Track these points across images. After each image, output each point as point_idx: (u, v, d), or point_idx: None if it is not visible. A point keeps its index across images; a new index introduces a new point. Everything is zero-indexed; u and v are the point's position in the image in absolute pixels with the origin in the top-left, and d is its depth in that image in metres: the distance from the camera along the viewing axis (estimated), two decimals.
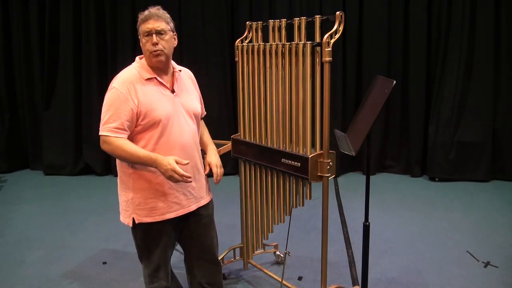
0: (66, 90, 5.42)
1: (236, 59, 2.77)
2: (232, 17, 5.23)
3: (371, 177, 2.37)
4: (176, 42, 2.12)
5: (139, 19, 2.03)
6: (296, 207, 2.51)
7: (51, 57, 5.39)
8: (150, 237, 2.10)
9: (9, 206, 4.44)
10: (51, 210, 4.33)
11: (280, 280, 2.68)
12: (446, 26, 4.89)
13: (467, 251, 3.32)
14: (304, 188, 2.42)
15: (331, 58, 2.18)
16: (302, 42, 2.32)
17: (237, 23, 5.17)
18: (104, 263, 3.23)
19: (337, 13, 2.19)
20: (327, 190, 2.31)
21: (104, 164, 5.46)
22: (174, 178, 1.90)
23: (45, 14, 5.33)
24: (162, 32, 2.00)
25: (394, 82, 2.13)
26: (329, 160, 2.27)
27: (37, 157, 5.67)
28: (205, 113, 2.43)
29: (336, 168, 2.84)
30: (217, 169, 2.22)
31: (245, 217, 2.90)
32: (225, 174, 5.68)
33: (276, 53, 2.48)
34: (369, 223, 2.32)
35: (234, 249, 3.06)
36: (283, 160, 2.44)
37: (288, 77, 2.43)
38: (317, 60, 2.24)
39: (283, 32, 2.50)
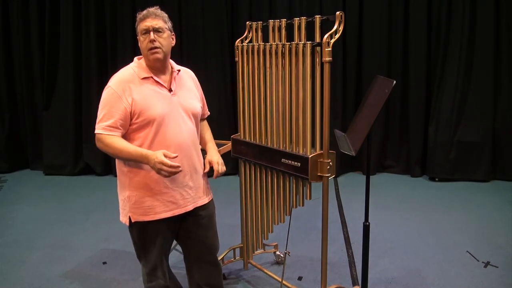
0: (66, 90, 5.42)
1: (236, 59, 2.77)
2: (232, 17, 5.23)
3: (371, 177, 2.37)
4: (174, 42, 2.13)
5: (137, 18, 2.06)
6: (296, 207, 2.51)
7: (51, 57, 5.39)
8: (146, 236, 2.10)
9: (9, 206, 4.44)
10: (51, 210, 4.33)
11: (280, 280, 2.68)
12: (446, 26, 4.89)
13: (467, 251, 3.32)
14: (304, 188, 2.42)
15: (331, 58, 2.18)
16: (302, 42, 2.32)
17: (237, 23, 5.17)
18: (104, 263, 3.23)
19: (337, 13, 2.19)
20: (327, 190, 2.31)
21: (104, 164, 5.46)
22: (164, 170, 1.88)
23: (45, 14, 5.33)
24: (160, 30, 2.02)
25: (394, 82, 2.13)
26: (329, 160, 2.27)
27: (37, 157, 5.67)
28: (209, 113, 2.43)
29: (336, 168, 2.84)
30: (218, 166, 2.21)
31: (245, 217, 2.90)
32: (225, 174, 5.69)
33: (276, 53, 2.48)
34: (369, 223, 2.32)
35: (234, 249, 3.06)
36: (283, 160, 2.44)
37: (288, 77, 2.43)
38: (317, 60, 2.24)
39: (283, 32, 2.50)
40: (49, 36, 5.35)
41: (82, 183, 5.22)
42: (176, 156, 1.92)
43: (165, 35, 2.04)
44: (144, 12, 2.04)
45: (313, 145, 2.33)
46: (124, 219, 2.13)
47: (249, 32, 2.76)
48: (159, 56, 2.02)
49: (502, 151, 4.98)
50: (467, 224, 3.82)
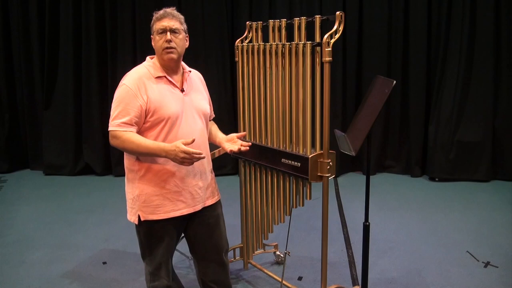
0: (66, 90, 5.42)
1: (236, 59, 2.77)
2: (232, 17, 5.23)
3: (371, 177, 2.37)
4: (187, 44, 2.16)
5: (154, 18, 2.08)
6: (296, 207, 2.51)
7: (51, 57, 5.39)
8: (153, 235, 2.11)
9: (9, 206, 4.44)
10: (51, 210, 4.32)
11: (280, 280, 2.68)
12: (446, 26, 4.89)
13: (467, 251, 3.32)
14: (304, 188, 2.42)
15: (331, 58, 2.18)
16: (302, 42, 2.32)
17: (237, 23, 5.17)
18: (104, 263, 3.22)
19: (337, 13, 2.19)
20: (327, 190, 2.31)
21: (104, 164, 5.46)
22: (187, 158, 1.88)
23: (45, 14, 5.33)
24: (176, 31, 2.05)
25: (394, 82, 2.13)
26: (329, 160, 2.27)
27: (37, 157, 5.67)
28: (214, 115, 2.45)
29: (336, 168, 2.84)
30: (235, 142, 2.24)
31: (245, 217, 2.90)
32: (225, 174, 5.69)
33: (276, 53, 2.48)
34: (369, 223, 2.32)
35: (234, 249, 3.06)
36: (283, 160, 2.44)
37: (288, 77, 2.43)
38: (317, 60, 2.24)
39: (283, 32, 2.50)
40: (49, 36, 5.34)
41: (82, 183, 5.22)
42: (194, 140, 1.92)
43: (180, 36, 2.07)
44: (161, 12, 2.06)
45: (313, 145, 2.33)
46: (132, 218, 2.13)
47: (249, 32, 2.76)
48: (174, 56, 2.04)
49: (502, 151, 4.98)
50: (467, 224, 3.82)
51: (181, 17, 2.11)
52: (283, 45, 2.43)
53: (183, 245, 2.73)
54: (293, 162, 2.38)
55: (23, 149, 5.75)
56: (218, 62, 5.21)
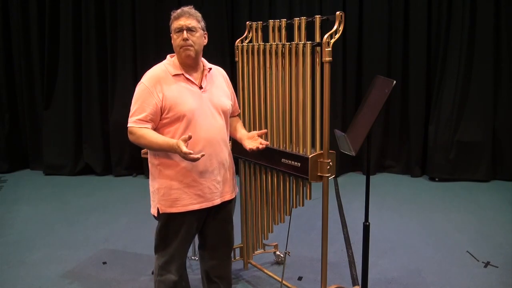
0: (66, 90, 5.42)
1: (236, 59, 2.77)
2: (232, 17, 5.23)
3: (371, 177, 2.37)
4: (206, 41, 2.19)
5: (172, 17, 2.12)
6: (296, 207, 2.51)
7: (51, 57, 5.38)
8: (170, 228, 2.15)
9: (9, 206, 4.44)
10: (51, 210, 4.32)
11: (280, 280, 2.68)
12: (446, 26, 4.89)
13: (467, 251, 3.32)
14: (304, 188, 2.42)
15: (331, 58, 2.18)
16: (302, 42, 2.32)
17: (237, 23, 5.17)
18: (104, 263, 3.22)
19: (337, 13, 2.19)
20: (327, 190, 2.31)
21: (104, 164, 5.46)
22: (188, 158, 1.90)
23: (45, 14, 5.33)
24: (193, 29, 2.08)
25: (394, 82, 2.13)
26: (329, 160, 2.27)
27: (37, 157, 5.67)
28: (239, 111, 2.49)
29: (336, 168, 2.84)
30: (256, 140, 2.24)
31: (245, 217, 2.90)
32: None
33: (276, 53, 2.48)
34: (369, 223, 2.32)
35: (234, 249, 3.05)
36: (283, 160, 2.44)
37: (288, 77, 2.43)
38: (317, 60, 2.24)
39: (283, 32, 2.50)
40: (49, 36, 5.34)
41: (82, 183, 5.22)
42: (190, 136, 1.94)
43: (197, 34, 2.10)
44: (179, 11, 2.10)
45: (313, 145, 2.33)
46: (153, 210, 2.18)
47: (249, 32, 2.76)
48: (191, 53, 2.08)
49: (502, 151, 4.98)
50: (467, 224, 3.82)
51: (198, 15, 2.14)
52: (283, 45, 2.44)
53: None
54: (293, 162, 2.38)
55: (23, 149, 5.75)
56: (218, 62, 5.14)
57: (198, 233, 2.32)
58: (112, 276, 3.03)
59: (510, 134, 4.91)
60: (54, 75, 5.44)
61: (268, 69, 2.56)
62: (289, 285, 2.74)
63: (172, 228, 2.14)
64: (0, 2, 5.43)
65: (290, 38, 2.43)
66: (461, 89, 4.91)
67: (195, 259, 3.11)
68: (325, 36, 2.18)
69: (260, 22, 2.69)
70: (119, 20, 5.24)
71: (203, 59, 2.22)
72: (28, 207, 4.40)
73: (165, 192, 2.11)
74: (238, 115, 2.51)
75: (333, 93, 5.06)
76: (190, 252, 3.04)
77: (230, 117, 2.36)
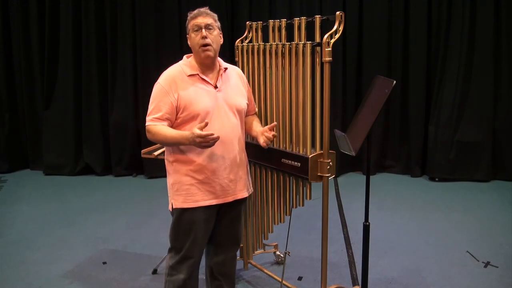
0: (66, 90, 5.42)
1: (236, 59, 2.77)
2: (232, 17, 5.23)
3: (371, 177, 2.37)
4: (222, 41, 2.22)
5: (189, 17, 2.16)
6: (296, 207, 2.51)
7: (51, 57, 5.38)
8: (182, 224, 2.18)
9: (9, 206, 4.44)
10: (51, 210, 4.32)
11: (280, 280, 2.68)
12: (446, 26, 4.89)
13: (467, 251, 3.32)
14: (304, 188, 2.42)
15: (331, 58, 2.18)
16: (302, 42, 2.32)
17: (237, 23, 5.17)
18: (104, 263, 3.22)
19: (337, 13, 2.19)
20: (327, 190, 2.31)
21: (104, 164, 5.46)
22: (205, 141, 1.94)
23: (45, 15, 5.33)
24: (210, 27, 2.13)
25: (394, 82, 2.12)
26: (329, 160, 2.27)
27: (37, 157, 5.67)
28: (256, 110, 2.51)
29: (336, 168, 2.83)
30: (264, 136, 2.25)
31: (245, 217, 2.90)
32: None
33: (276, 53, 2.48)
34: (369, 223, 2.31)
35: None
36: (283, 160, 2.44)
37: (288, 77, 2.43)
38: (317, 60, 2.24)
39: (283, 32, 2.50)
40: (49, 36, 5.34)
41: (82, 183, 5.22)
42: (207, 123, 1.99)
43: (215, 32, 2.15)
44: (195, 11, 2.16)
45: (313, 145, 2.33)
46: (169, 206, 2.23)
47: (249, 32, 2.76)
48: (211, 54, 2.12)
49: (502, 151, 4.97)
50: (467, 224, 3.82)
51: (215, 15, 2.19)
52: (283, 45, 2.44)
53: None
54: (293, 162, 2.38)
55: (23, 149, 5.75)
56: None
57: None
58: (112, 276, 3.03)
59: (510, 134, 4.91)
60: (54, 75, 5.44)
61: (268, 69, 2.56)
62: (289, 285, 2.74)
63: (184, 224, 2.17)
64: (0, 2, 5.43)
65: (290, 38, 2.43)
66: (461, 89, 4.91)
67: None
68: (325, 36, 2.18)
69: (260, 22, 2.69)
70: (119, 20, 5.24)
71: (219, 58, 2.25)
72: (28, 207, 4.40)
73: (179, 188, 2.17)
74: (256, 113, 2.52)
75: (333, 93, 5.05)
76: None
77: (247, 115, 2.40)
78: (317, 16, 2.30)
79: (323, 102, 2.25)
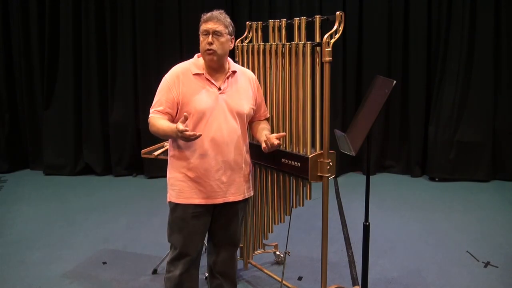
0: (66, 90, 5.42)
1: (236, 59, 2.77)
2: (232, 17, 5.20)
3: (371, 177, 2.37)
4: (232, 45, 2.25)
5: (201, 19, 2.20)
6: (296, 207, 2.51)
7: (51, 57, 5.38)
8: (176, 219, 2.23)
9: (9, 206, 4.44)
10: (51, 210, 4.32)
11: (280, 280, 2.68)
12: (446, 26, 4.89)
13: (467, 251, 3.32)
14: (304, 188, 2.42)
15: (331, 58, 2.18)
16: (302, 42, 2.32)
17: (237, 23, 5.16)
18: (104, 263, 3.22)
19: (337, 13, 2.19)
20: (327, 190, 2.31)
21: (104, 164, 5.45)
22: (184, 136, 1.96)
23: (45, 14, 5.32)
24: (219, 34, 2.15)
25: (394, 82, 2.13)
26: (329, 160, 2.27)
27: (37, 157, 5.66)
28: (268, 115, 2.50)
29: (336, 168, 2.83)
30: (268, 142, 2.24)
31: (245, 217, 2.89)
32: None
33: (276, 53, 2.48)
34: (369, 223, 2.31)
35: None
36: (283, 160, 2.44)
37: (288, 77, 2.43)
38: (317, 60, 2.24)
39: (283, 32, 2.50)
40: (49, 36, 5.34)
41: (82, 183, 5.22)
42: (187, 117, 2.00)
43: (223, 39, 2.16)
44: (209, 14, 2.19)
45: (313, 145, 2.33)
46: (167, 199, 2.28)
47: (249, 32, 2.76)
48: (214, 58, 2.15)
49: (502, 151, 4.98)
50: (467, 224, 3.82)
51: (227, 20, 2.20)
52: (283, 45, 2.44)
53: None
54: (293, 162, 2.38)
55: (23, 149, 5.75)
56: None
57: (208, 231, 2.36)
58: (112, 276, 3.03)
59: (510, 134, 4.91)
60: (54, 75, 5.44)
61: (268, 69, 2.56)
62: (289, 285, 2.74)
63: (177, 220, 2.21)
64: (0, 2, 5.43)
65: (290, 38, 2.43)
66: (461, 89, 4.91)
67: None
68: (325, 36, 2.18)
69: (260, 22, 2.69)
70: (119, 20, 5.24)
71: (230, 60, 2.28)
72: (28, 207, 4.40)
73: (173, 183, 2.22)
74: (267, 119, 2.51)
75: (333, 93, 5.05)
76: None
77: (256, 121, 2.42)
78: (317, 16, 2.30)
79: (323, 102, 2.25)
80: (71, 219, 4.08)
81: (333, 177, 2.93)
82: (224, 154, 2.19)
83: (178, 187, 2.20)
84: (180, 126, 1.95)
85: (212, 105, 2.16)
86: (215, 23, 2.15)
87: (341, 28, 2.20)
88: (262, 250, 3.06)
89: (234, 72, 2.27)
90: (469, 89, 4.93)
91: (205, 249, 2.68)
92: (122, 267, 3.16)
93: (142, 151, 3.03)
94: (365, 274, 2.36)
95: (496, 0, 4.75)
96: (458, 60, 4.87)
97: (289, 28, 2.47)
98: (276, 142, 2.21)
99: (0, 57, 5.50)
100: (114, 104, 5.34)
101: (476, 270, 3.05)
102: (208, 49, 2.13)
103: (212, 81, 2.19)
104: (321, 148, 2.29)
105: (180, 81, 2.16)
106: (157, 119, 2.14)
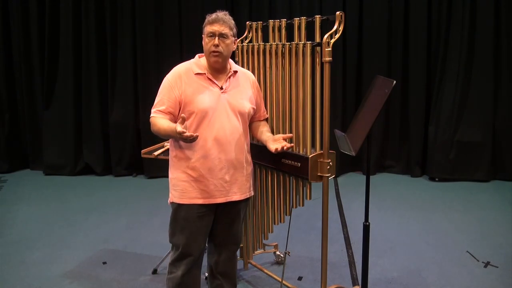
0: (66, 90, 5.42)
1: (236, 59, 2.77)
2: (232, 17, 5.22)
3: (371, 177, 2.37)
4: (235, 47, 2.27)
5: (206, 20, 2.20)
6: (296, 207, 2.51)
7: (51, 57, 5.38)
8: (178, 219, 2.22)
9: (9, 206, 4.44)
10: (51, 210, 4.32)
11: (280, 280, 2.68)
12: (446, 26, 4.89)
13: (467, 251, 3.32)
14: (304, 188, 2.42)
15: (331, 58, 2.18)
16: (302, 42, 2.32)
17: (237, 23, 5.15)
18: (104, 263, 3.22)
19: (337, 13, 2.19)
20: (327, 190, 2.31)
21: (104, 164, 5.45)
22: (183, 137, 1.96)
23: (45, 14, 5.32)
24: (225, 36, 2.16)
25: (394, 82, 2.12)
26: (329, 160, 2.27)
27: (37, 157, 5.66)
28: (267, 115, 2.52)
29: (336, 168, 2.83)
30: (280, 143, 2.26)
31: (245, 217, 2.89)
32: None
33: (276, 53, 2.48)
34: (369, 223, 2.31)
35: None
36: (283, 160, 2.44)
37: (288, 77, 2.43)
38: (317, 60, 2.24)
39: (283, 32, 2.50)
40: (49, 36, 5.34)
41: (82, 183, 5.22)
42: (184, 118, 2.01)
43: (228, 41, 2.18)
44: (214, 16, 2.19)
45: (313, 145, 2.33)
46: (169, 200, 2.27)
47: (249, 32, 2.76)
48: (219, 59, 2.17)
49: (502, 151, 4.98)
50: (467, 224, 3.82)
51: (232, 22, 2.22)
52: (283, 45, 2.44)
53: None
54: (293, 162, 2.38)
55: (23, 149, 5.75)
56: None
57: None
58: (112, 276, 3.03)
59: (510, 134, 4.91)
60: (54, 75, 5.44)
61: (268, 69, 2.56)
62: (289, 285, 2.74)
63: (179, 221, 2.21)
64: (0, 2, 5.43)
65: (290, 38, 2.43)
66: (461, 89, 4.91)
67: None
68: (325, 36, 2.18)
69: (260, 22, 2.69)
70: (119, 20, 5.24)
71: (231, 61, 2.29)
72: (28, 207, 4.40)
73: (175, 183, 2.22)
74: (266, 119, 2.52)
75: (333, 93, 5.06)
76: None
77: (256, 121, 2.43)
78: (317, 16, 2.30)
79: (323, 102, 2.25)
80: (71, 219, 4.08)
81: (333, 177, 2.93)
82: (227, 153, 2.19)
83: (181, 187, 2.19)
84: (179, 127, 1.95)
85: (215, 104, 2.17)
86: (221, 26, 2.16)
87: (341, 28, 2.20)
88: (262, 250, 3.06)
89: (235, 72, 2.28)
90: (469, 89, 4.93)
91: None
92: (122, 267, 3.16)
93: (142, 151, 3.03)
94: (365, 274, 2.36)
95: (496, 0, 4.75)
96: (458, 60, 4.87)
97: (289, 28, 2.47)
98: (289, 145, 2.25)
99: (0, 57, 5.50)
100: (114, 104, 5.34)
101: (476, 270, 3.05)
102: (214, 51, 2.14)
103: (214, 80, 2.20)
104: (321, 148, 2.29)
105: (183, 81, 2.17)
106: (159, 119, 2.14)
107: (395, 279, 2.94)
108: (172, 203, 2.24)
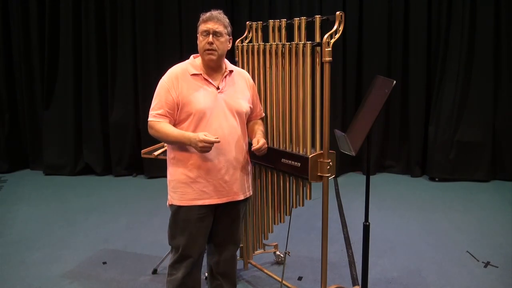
0: (66, 90, 5.42)
1: (236, 59, 2.77)
2: (232, 17, 5.22)
3: (371, 177, 2.37)
4: (230, 46, 2.26)
5: (201, 19, 2.20)
6: (296, 207, 2.51)
7: (51, 57, 5.38)
8: (178, 221, 2.21)
9: (9, 206, 4.44)
10: (51, 210, 4.32)
11: (280, 280, 2.68)
12: (446, 26, 4.89)
13: (467, 251, 3.32)
14: (304, 188, 2.42)
15: (331, 58, 2.18)
16: (302, 42, 2.32)
17: (237, 23, 5.17)
18: (104, 263, 3.22)
19: (337, 13, 2.19)
20: (327, 190, 2.31)
21: (104, 164, 5.46)
22: (206, 147, 2.03)
23: (45, 14, 5.33)
24: (219, 34, 2.16)
25: (394, 82, 2.13)
26: (329, 160, 2.27)
27: (37, 157, 5.67)
28: (263, 114, 2.52)
29: (336, 168, 2.84)
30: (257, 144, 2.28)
31: (245, 217, 2.89)
32: None
33: (276, 53, 2.48)
34: (369, 223, 2.32)
35: None
36: (283, 160, 2.44)
37: (288, 77, 2.43)
38: (317, 60, 2.24)
39: (283, 32, 2.50)
40: (49, 36, 5.34)
41: (82, 183, 5.22)
42: (218, 139, 2.06)
43: (222, 39, 2.17)
44: (208, 14, 2.18)
45: (313, 145, 2.33)
46: (168, 202, 2.27)
47: (249, 32, 2.76)
48: (213, 57, 2.16)
49: (502, 151, 4.98)
50: (467, 224, 3.82)
51: (226, 20, 2.21)
52: (283, 45, 2.44)
53: None
54: (293, 162, 2.38)
55: (23, 149, 5.75)
56: None
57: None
58: (112, 276, 3.03)
59: (510, 134, 4.91)
60: (54, 75, 5.44)
61: (268, 69, 2.56)
62: (289, 285, 2.74)
63: (179, 223, 2.21)
64: (0, 2, 5.43)
65: (290, 38, 2.43)
66: (461, 89, 4.91)
67: None
68: (325, 36, 2.18)
69: (260, 22, 2.69)
70: (119, 20, 5.24)
71: (226, 60, 2.29)
72: (28, 207, 4.40)
73: (174, 185, 2.21)
74: (262, 119, 2.52)
75: (333, 93, 5.06)
76: None
77: (251, 120, 2.43)
78: (317, 16, 2.30)
79: (323, 102, 2.25)
80: (71, 219, 4.08)
81: (333, 177, 2.93)
82: (226, 153, 2.19)
83: (181, 189, 2.18)
84: (202, 136, 2.01)
85: (212, 104, 2.16)
86: (215, 23, 2.15)
87: (341, 28, 2.20)
88: (262, 250, 3.07)
89: (231, 71, 2.28)
90: (469, 89, 4.93)
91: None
92: (122, 267, 3.16)
93: (142, 151, 3.03)
94: (365, 274, 2.36)
95: (496, 0, 4.75)
96: (458, 60, 4.87)
97: (289, 28, 2.47)
98: (260, 152, 2.25)
99: (0, 57, 5.50)
100: (114, 104, 5.34)
101: (476, 270, 3.05)
102: (208, 49, 2.14)
103: (210, 80, 2.19)
104: (321, 148, 2.29)
105: (179, 82, 2.16)
106: (164, 125, 2.14)
107: (395, 279, 2.94)
108: (172, 205, 2.23)
